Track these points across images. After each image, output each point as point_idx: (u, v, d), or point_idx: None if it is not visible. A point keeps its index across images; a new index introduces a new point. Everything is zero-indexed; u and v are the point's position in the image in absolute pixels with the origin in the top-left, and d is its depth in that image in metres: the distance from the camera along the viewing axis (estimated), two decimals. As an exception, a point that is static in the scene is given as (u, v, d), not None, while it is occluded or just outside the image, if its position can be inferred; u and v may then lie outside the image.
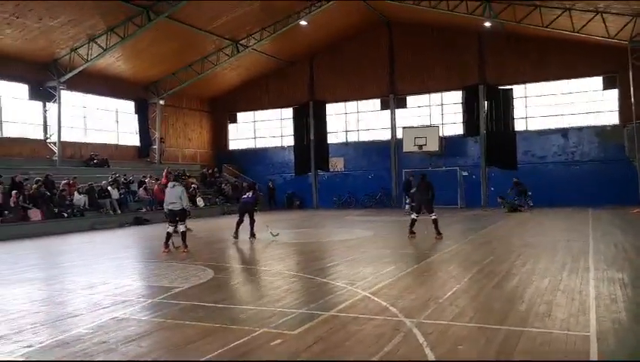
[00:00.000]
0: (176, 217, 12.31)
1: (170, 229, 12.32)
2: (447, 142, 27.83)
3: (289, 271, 9.63)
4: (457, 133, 28.13)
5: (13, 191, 18.30)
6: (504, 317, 5.98)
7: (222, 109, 33.71)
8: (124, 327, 6.04)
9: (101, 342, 5.46)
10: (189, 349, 5.20)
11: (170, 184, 12.82)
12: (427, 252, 11.29)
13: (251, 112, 33.24)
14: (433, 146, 27.12)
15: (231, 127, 34.07)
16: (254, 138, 33.42)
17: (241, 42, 26.69)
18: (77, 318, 6.67)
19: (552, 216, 20.26)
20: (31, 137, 23.19)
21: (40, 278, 9.88)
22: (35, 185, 19.26)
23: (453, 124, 28.38)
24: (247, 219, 14.57)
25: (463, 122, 27.92)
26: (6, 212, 17.82)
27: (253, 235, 14.58)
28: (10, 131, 22.46)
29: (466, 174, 27.76)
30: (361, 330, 5.59)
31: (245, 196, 15.00)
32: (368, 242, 13.79)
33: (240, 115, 33.70)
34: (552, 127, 26.48)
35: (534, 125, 26.92)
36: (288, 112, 32.04)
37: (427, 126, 28.08)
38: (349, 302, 6.82)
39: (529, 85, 26.78)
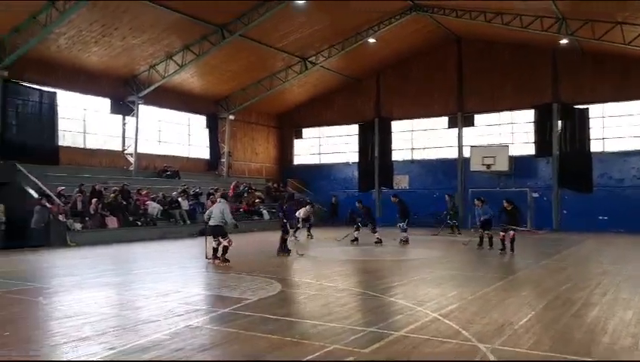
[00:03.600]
0: (214, 233, 12.52)
1: (215, 244, 12.56)
2: (516, 162, 26.94)
3: (355, 289, 9.60)
4: (528, 153, 27.18)
5: (93, 199, 19.36)
6: (586, 348, 5.69)
7: (288, 125, 34.31)
8: (198, 336, 6.22)
9: (177, 349, 5.65)
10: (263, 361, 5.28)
11: (218, 200, 13.14)
12: (498, 275, 10.94)
13: (317, 128, 33.62)
14: (502, 166, 26.33)
15: (296, 142, 34.58)
16: (319, 153, 33.74)
17: (309, 59, 27.16)
18: (154, 324, 6.93)
19: (632, 242, 19.10)
20: (110, 148, 24.52)
21: (117, 283, 10.36)
22: (112, 194, 20.30)
23: (523, 143, 27.48)
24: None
25: (535, 142, 26.95)
26: (86, 218, 18.86)
27: (284, 250, 14.64)
28: (93, 143, 23.86)
29: (537, 196, 26.72)
30: (434, 353, 5.49)
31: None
32: (435, 262, 13.53)
33: (306, 131, 34.16)
34: (632, 148, 25.06)
35: (612, 146, 25.58)
36: (354, 129, 32.16)
37: (496, 145, 27.34)
38: (418, 323, 6.71)
39: (607, 105, 25.52)
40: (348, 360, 5.22)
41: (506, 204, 14.76)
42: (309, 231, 20.64)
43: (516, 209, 14.93)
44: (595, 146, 25.79)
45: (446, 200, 23.94)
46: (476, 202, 16.31)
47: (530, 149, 27.21)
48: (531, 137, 27.17)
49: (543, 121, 26.51)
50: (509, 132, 27.96)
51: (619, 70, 24.70)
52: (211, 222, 12.45)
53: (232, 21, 21.71)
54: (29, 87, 20.70)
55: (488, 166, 26.48)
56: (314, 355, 5.34)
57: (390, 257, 14.97)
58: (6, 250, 15.67)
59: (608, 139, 25.68)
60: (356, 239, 18.16)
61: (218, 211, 12.45)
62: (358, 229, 18.51)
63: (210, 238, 12.81)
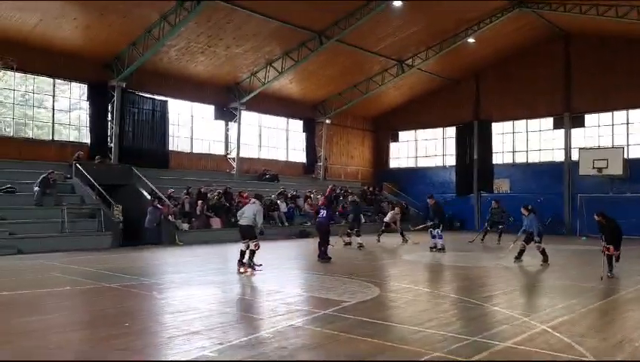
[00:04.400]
0: (244, 234, 11.59)
1: (243, 247, 11.56)
2: (633, 165, 24.83)
3: (456, 295, 9.36)
4: (646, 156, 24.98)
5: (199, 201, 20.49)
6: None
7: (384, 128, 34.17)
8: (300, 335, 6.38)
9: (281, 348, 5.82)
10: (364, 364, 5.31)
11: (251, 200, 12.31)
12: (613, 287, 10.16)
13: (413, 131, 33.19)
14: (616, 170, 24.40)
15: (392, 145, 34.34)
16: (415, 157, 33.27)
17: (406, 62, 26.90)
18: (258, 322, 7.23)
19: None
20: (214, 153, 25.85)
21: (222, 281, 10.88)
22: (216, 196, 21.36)
23: (640, 145, 25.30)
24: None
25: (654, 143, 24.72)
26: (193, 219, 20.00)
27: (324, 257, 13.71)
28: (199, 147, 25.31)
29: (657, 201, 24.44)
30: (543, 367, 5.23)
31: (320, 215, 14.17)
32: (539, 271, 12.83)
33: (402, 134, 33.83)
34: None
35: None
36: (451, 131, 31.36)
37: (609, 147, 25.38)
38: (526, 335, 6.40)
39: None
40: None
41: (598, 218, 11.76)
42: (402, 235, 20.38)
43: (612, 223, 11.56)
44: None
45: (492, 206, 20.97)
46: (522, 210, 14.14)
47: (648, 151, 25.00)
48: (650, 138, 24.96)
49: (664, 120, 24.24)
50: (623, 133, 25.87)
51: None
52: (242, 222, 11.61)
53: (330, 27, 22.07)
54: (144, 97, 22.46)
55: (600, 169, 24.65)
56: (422, 360, 5.28)
57: (491, 263, 14.40)
58: (123, 248, 17.03)
59: None
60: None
61: (251, 212, 11.57)
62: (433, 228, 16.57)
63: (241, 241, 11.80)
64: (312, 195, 26.15)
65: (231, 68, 23.89)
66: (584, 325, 6.99)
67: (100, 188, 18.38)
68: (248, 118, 27.00)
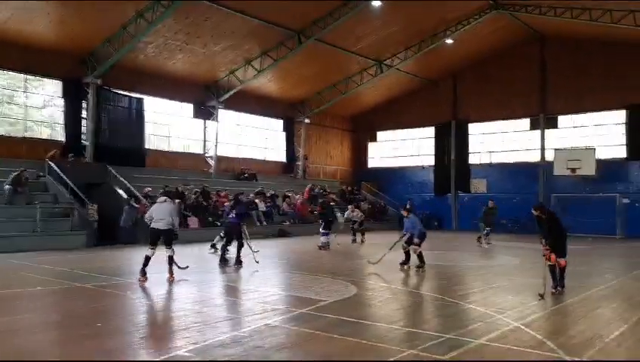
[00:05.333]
0: (159, 238, 10.20)
1: (150, 253, 10.08)
2: (604, 165, 25.38)
3: (432, 294, 9.43)
4: (618, 157, 25.55)
5: (176, 200, 20.24)
6: (686, 367, 5.27)
7: (363, 128, 34.29)
8: (276, 334, 6.36)
9: (256, 347, 5.80)
10: (340, 362, 5.31)
11: (160, 198, 10.75)
12: (583, 285, 10.34)
13: (392, 131, 33.37)
14: (588, 170, 24.91)
15: (371, 145, 34.48)
16: (394, 157, 33.45)
17: (385, 62, 27.03)
18: (233, 321, 7.19)
19: None
20: (192, 152, 25.61)
21: (198, 281, 10.76)
22: (193, 196, 21.16)
23: (613, 146, 25.84)
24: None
25: (626, 144, 25.28)
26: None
27: (238, 262, 12.50)
28: (176, 146, 25.05)
29: (628, 201, 25.02)
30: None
31: (231, 215, 12.87)
32: (515, 269, 13.04)
33: (380, 134, 33.99)
34: None
35: None
36: (429, 131, 31.63)
37: (582, 148, 25.89)
38: (499, 332, 6.49)
39: None
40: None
41: (536, 212, 9.46)
42: (363, 235, 20.23)
43: (553, 219, 9.39)
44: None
45: (489, 205, 19.76)
46: (402, 211, 13.34)
47: (620, 152, 25.56)
48: (622, 139, 25.53)
49: (637, 121, 24.81)
50: (596, 134, 26.41)
51: None
52: (159, 225, 10.14)
53: (309, 26, 22.04)
54: (120, 94, 22.13)
55: (573, 170, 25.15)
56: (391, 359, 5.29)
57: (467, 263, 14.57)
58: (98, 248, 16.75)
59: None
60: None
61: (166, 213, 10.22)
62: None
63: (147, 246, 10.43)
64: (290, 195, 26.11)
65: (209, 66, 23.70)
66: (556, 322, 7.12)
67: (74, 186, 18.05)
68: (227, 116, 26.82)
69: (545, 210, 9.51)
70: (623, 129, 25.57)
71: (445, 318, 7.45)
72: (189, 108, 25.22)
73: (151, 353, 5.63)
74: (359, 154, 34.63)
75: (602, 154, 25.70)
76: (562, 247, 9.15)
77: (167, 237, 10.24)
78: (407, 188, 32.00)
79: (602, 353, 5.67)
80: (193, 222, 20.29)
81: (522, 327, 6.70)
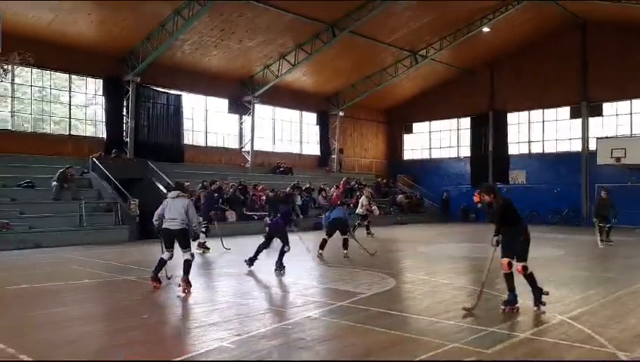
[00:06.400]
0: (174, 240, 8.71)
1: (166, 256, 8.79)
2: (652, 154, 24.42)
3: (472, 286, 9.29)
4: (666, 144, 24.54)
5: (215, 194, 20.55)
6: None
7: (397, 120, 34.01)
8: (317, 327, 6.40)
9: (299, 339, 5.85)
10: (381, 356, 5.31)
11: (171, 194, 8.99)
12: (632, 277, 10.02)
13: (427, 122, 32.98)
14: (635, 159, 24.02)
15: (406, 137, 34.17)
16: (429, 148, 33.07)
17: (419, 53, 26.70)
18: (275, 313, 7.27)
19: None
20: (229, 146, 25.94)
21: (239, 274, 10.90)
22: (231, 190, 21.44)
23: (660, 133, 24.87)
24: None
25: (674, 131, 24.30)
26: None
27: (281, 267, 10.72)
28: (213, 141, 25.43)
29: (676, 192, 24.04)
30: (563, 359, 5.17)
31: (273, 219, 11.32)
32: (558, 262, 12.70)
33: (415, 125, 33.64)
34: None
35: None
36: (466, 122, 31.12)
37: (628, 136, 25.00)
38: (544, 326, 6.37)
39: None
40: (470, 359, 5.09)
41: (488, 198, 7.65)
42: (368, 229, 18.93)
43: (506, 205, 7.48)
44: None
45: (602, 196, 16.95)
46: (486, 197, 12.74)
47: (668, 140, 24.57)
48: (671, 126, 24.53)
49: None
50: (641, 121, 25.46)
51: None
52: (173, 225, 8.60)
53: (342, 18, 21.95)
54: (158, 91, 22.58)
55: (618, 159, 24.31)
56: (433, 352, 5.27)
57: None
58: (140, 241, 17.17)
59: None
60: None
61: (180, 210, 8.61)
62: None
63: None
64: (326, 188, 26.14)
65: (244, 61, 23.91)
66: (603, 315, 6.92)
67: (116, 182, 18.54)
68: (262, 111, 27.03)
69: (498, 195, 7.65)
70: (670, 116, 24.55)
71: (487, 311, 7.33)
72: (224, 103, 25.52)
73: (195, 344, 5.75)
74: (394, 146, 34.37)
75: (649, 142, 24.73)
76: (519, 247, 7.23)
77: (183, 239, 8.68)
78: (444, 180, 31.61)
79: (654, 347, 5.49)
80: (231, 215, 20.58)
81: (568, 321, 6.55)
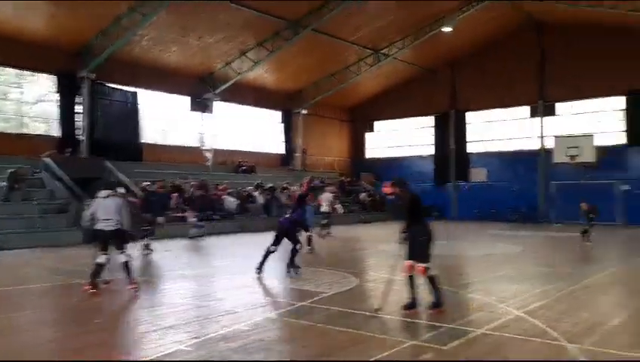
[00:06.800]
0: (109, 241, 8.38)
1: (103, 259, 8.35)
2: (604, 152, 25.31)
3: (433, 284, 9.38)
4: (618, 143, 25.47)
5: (174, 194, 20.17)
6: (690, 353, 5.24)
7: (361, 118, 34.17)
8: (277, 328, 6.33)
9: (259, 340, 5.76)
10: (341, 356, 5.27)
11: (101, 193, 8.62)
12: (585, 272, 10.34)
13: (390, 121, 33.25)
14: (588, 157, 24.84)
15: (369, 135, 34.38)
16: (392, 147, 33.35)
17: (382, 51, 26.87)
18: (235, 315, 7.11)
19: None
20: (189, 145, 25.51)
21: (198, 275, 10.74)
22: (191, 189, 21.08)
23: (612, 132, 25.76)
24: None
25: (626, 130, 25.20)
26: (167, 212, 19.65)
27: (294, 266, 10.31)
28: (173, 139, 24.96)
29: (628, 188, 24.97)
30: (517, 353, 5.25)
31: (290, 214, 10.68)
32: (517, 258, 12.99)
33: (378, 124, 33.89)
34: None
35: None
36: (428, 121, 31.53)
37: (581, 135, 25.83)
38: (501, 321, 6.46)
39: None
40: (426, 357, 5.10)
41: (395, 190, 7.43)
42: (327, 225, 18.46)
43: (413, 199, 7.24)
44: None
45: (583, 208, 16.95)
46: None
47: (620, 138, 25.48)
48: (621, 125, 25.44)
49: (636, 107, 24.71)
50: (595, 121, 26.32)
51: None
52: (107, 226, 8.32)
53: (305, 16, 21.86)
54: (114, 88, 21.97)
55: (573, 157, 25.08)
56: (392, 351, 5.27)
57: (471, 253, 14.52)
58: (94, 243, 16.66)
59: None
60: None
61: (113, 210, 8.37)
62: None
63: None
64: (289, 187, 26.02)
65: (204, 58, 23.54)
66: (558, 310, 7.07)
67: (70, 182, 17.94)
68: (223, 109, 26.68)
69: (405, 188, 7.32)
70: (622, 115, 25.46)
71: (448, 308, 7.40)
72: (185, 101, 25.08)
73: (152, 348, 5.58)
74: (358, 144, 34.54)
75: (601, 140, 25.62)
76: (419, 247, 6.84)
77: (118, 240, 8.37)
78: (407, 178, 31.62)
79: (604, 340, 5.64)
80: (191, 216, 20.19)
81: (524, 316, 6.67)
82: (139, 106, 22.82)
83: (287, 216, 10.73)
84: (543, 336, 5.76)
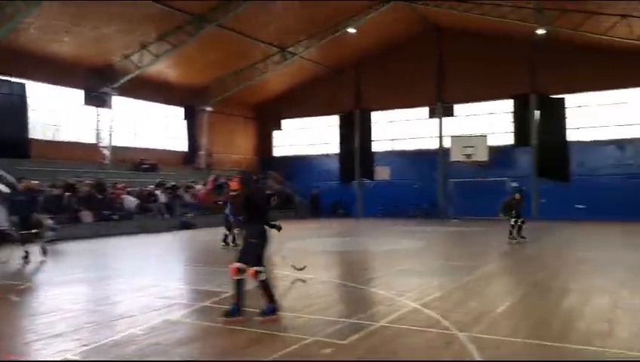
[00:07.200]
0: None
1: None
2: (495, 152, 27.17)
3: (336, 280, 9.54)
4: (507, 143, 27.44)
5: (66, 193, 18.95)
6: (563, 334, 5.73)
7: (268, 116, 34.05)
8: (175, 330, 6.09)
9: (154, 344, 5.53)
10: (240, 355, 5.19)
11: None
12: (478, 264, 10.99)
13: (297, 119, 33.45)
14: (482, 156, 26.53)
15: (276, 133, 34.36)
16: (299, 145, 33.57)
17: (288, 50, 26.92)
18: (130, 319, 6.77)
19: (608, 230, 19.41)
20: (84, 141, 24.03)
21: (93, 279, 10.14)
22: (86, 188, 19.91)
23: (502, 133, 27.71)
24: None
25: (514, 132, 27.21)
26: (59, 213, 18.42)
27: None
28: (66, 135, 23.36)
29: (516, 185, 26.90)
30: (413, 343, 5.46)
31: None
32: (416, 253, 13.55)
33: (285, 122, 33.95)
34: (607, 138, 25.48)
35: (588, 136, 25.96)
36: (334, 120, 32.07)
37: (475, 135, 27.54)
38: (399, 314, 6.68)
39: (583, 94, 25.88)
40: (326, 352, 5.16)
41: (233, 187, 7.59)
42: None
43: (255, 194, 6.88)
44: (571, 136, 26.15)
45: (516, 198, 16.53)
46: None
47: (509, 139, 27.46)
48: (510, 127, 27.43)
49: (521, 110, 26.75)
50: (488, 122, 28.17)
51: (593, 60, 24.93)
52: None
53: (209, 11, 21.35)
54: (-1, 79, 20.16)
55: (468, 156, 26.66)
56: (292, 348, 5.27)
57: (375, 248, 14.94)
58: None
59: (585, 128, 26.05)
60: None
61: None
62: None
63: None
64: (194, 185, 25.38)
65: (101, 50, 22.24)
66: (451, 301, 7.45)
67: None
68: (123, 104, 25.44)
69: (246, 187, 6.85)
70: (510, 117, 27.44)
71: (348, 304, 7.56)
72: (79, 94, 23.56)
73: (35, 359, 5.16)
74: (265, 142, 34.39)
75: (494, 141, 27.46)
76: (250, 249, 6.46)
77: None
78: (313, 176, 32.31)
79: (490, 327, 6.01)
80: (86, 216, 19.09)
81: (420, 308, 6.95)
82: (27, 99, 21.11)
83: None
84: (436, 326, 6.03)
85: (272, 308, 6.37)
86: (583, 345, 5.31)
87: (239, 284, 6.40)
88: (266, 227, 6.58)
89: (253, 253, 6.38)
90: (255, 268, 6.32)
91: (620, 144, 25.17)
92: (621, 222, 21.81)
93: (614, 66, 24.48)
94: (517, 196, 16.25)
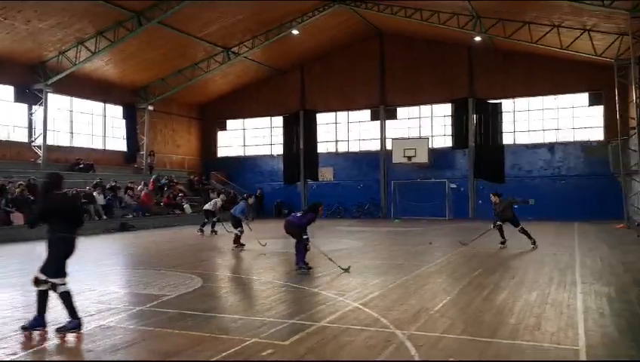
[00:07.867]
0: None
1: None
2: (436, 154, 27.99)
3: (278, 281, 9.55)
4: (446, 146, 28.32)
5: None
6: (494, 329, 5.98)
7: (211, 116, 33.59)
8: (110, 336, 5.92)
9: (86, 351, 5.39)
10: (178, 359, 5.11)
11: None
12: (417, 263, 11.29)
13: (241, 120, 33.18)
14: (422, 158, 27.25)
15: (220, 134, 33.94)
16: (243, 146, 33.31)
17: (232, 50, 26.66)
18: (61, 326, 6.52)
19: (538, 229, 20.35)
20: (15, 140, 22.87)
21: (24, 284, 9.61)
22: (18, 189, 18.96)
23: (442, 136, 28.57)
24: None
25: (452, 135, 28.12)
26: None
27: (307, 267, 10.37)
28: (-6, 133, 22.19)
29: (455, 186, 27.90)
30: (352, 342, 5.55)
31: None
32: (358, 252, 13.76)
33: (229, 123, 33.59)
34: (539, 141, 26.82)
35: (522, 139, 27.22)
36: (278, 121, 32.02)
37: (417, 138, 28.25)
38: (339, 313, 6.77)
39: (517, 100, 27.12)
40: (266, 352, 5.17)
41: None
42: (213, 226, 19.12)
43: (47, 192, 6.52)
44: (506, 139, 27.32)
45: (493, 200, 15.00)
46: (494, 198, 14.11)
47: (448, 142, 28.34)
48: (449, 130, 28.31)
49: (460, 114, 27.71)
50: (429, 125, 28.96)
51: (526, 67, 26.25)
52: None
53: (150, 8, 20.83)
54: None
55: (409, 158, 27.31)
56: (232, 350, 5.24)
57: (314, 249, 15.00)
58: None
59: (518, 132, 27.30)
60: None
61: None
62: None
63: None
64: (134, 186, 24.69)
65: (34, 45, 21.23)
66: (390, 299, 7.62)
67: None
68: (57, 101, 24.43)
69: (50, 188, 6.40)
70: (449, 121, 28.33)
71: (290, 304, 7.58)
72: (9, 90, 22.41)
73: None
74: (208, 143, 33.90)
75: (434, 143, 28.27)
76: (48, 258, 6.14)
77: None
78: (257, 177, 32.16)
79: (427, 324, 6.20)
80: (18, 218, 18.19)
81: (361, 307, 7.07)
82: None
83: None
84: (375, 324, 6.16)
85: (76, 324, 5.97)
86: (513, 339, 5.57)
87: (42, 295, 6.09)
88: (71, 235, 6.25)
89: (48, 263, 6.13)
90: (36, 275, 6.01)
91: (550, 147, 26.54)
92: (552, 221, 22.96)
93: (546, 74, 25.83)
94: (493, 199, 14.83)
